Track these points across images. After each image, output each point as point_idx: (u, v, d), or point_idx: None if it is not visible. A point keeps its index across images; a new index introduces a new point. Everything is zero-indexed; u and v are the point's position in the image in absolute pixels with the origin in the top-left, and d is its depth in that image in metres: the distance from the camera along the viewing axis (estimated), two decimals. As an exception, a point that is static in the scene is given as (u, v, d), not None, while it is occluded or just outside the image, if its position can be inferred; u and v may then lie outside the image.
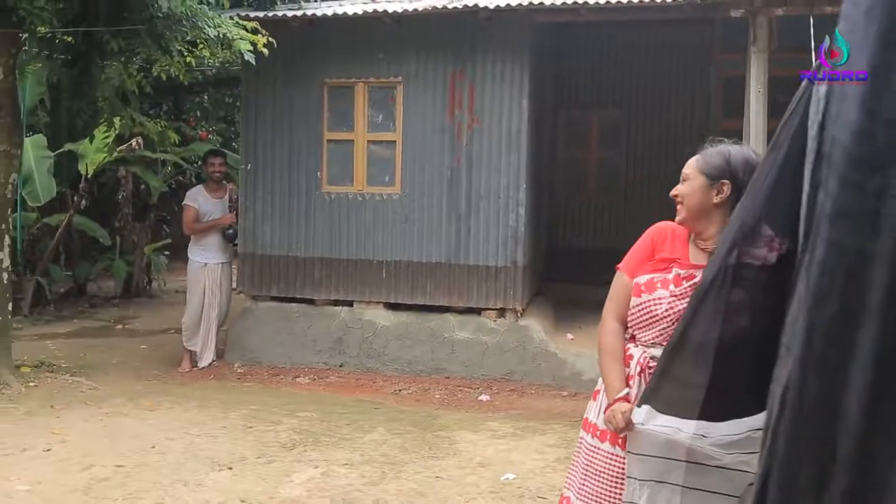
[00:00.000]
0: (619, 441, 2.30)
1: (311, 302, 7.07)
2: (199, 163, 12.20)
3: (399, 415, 5.72)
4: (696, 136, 8.51)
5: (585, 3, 6.09)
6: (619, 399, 2.26)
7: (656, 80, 8.53)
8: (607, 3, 6.04)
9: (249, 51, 6.10)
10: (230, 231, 7.07)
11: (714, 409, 2.02)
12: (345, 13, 6.57)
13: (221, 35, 5.98)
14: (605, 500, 2.31)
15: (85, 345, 7.89)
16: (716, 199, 2.29)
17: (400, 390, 6.41)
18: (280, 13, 6.70)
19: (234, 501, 4.07)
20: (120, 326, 8.99)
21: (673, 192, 2.39)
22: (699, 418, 2.05)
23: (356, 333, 6.90)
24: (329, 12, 6.64)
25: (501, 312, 6.75)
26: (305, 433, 5.19)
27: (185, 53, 7.42)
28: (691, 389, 2.03)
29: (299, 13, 6.67)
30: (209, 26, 5.99)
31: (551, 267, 8.56)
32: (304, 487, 4.27)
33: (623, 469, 2.28)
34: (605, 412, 2.31)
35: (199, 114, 14.00)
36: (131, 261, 10.82)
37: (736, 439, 2.03)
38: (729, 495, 2.10)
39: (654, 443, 2.13)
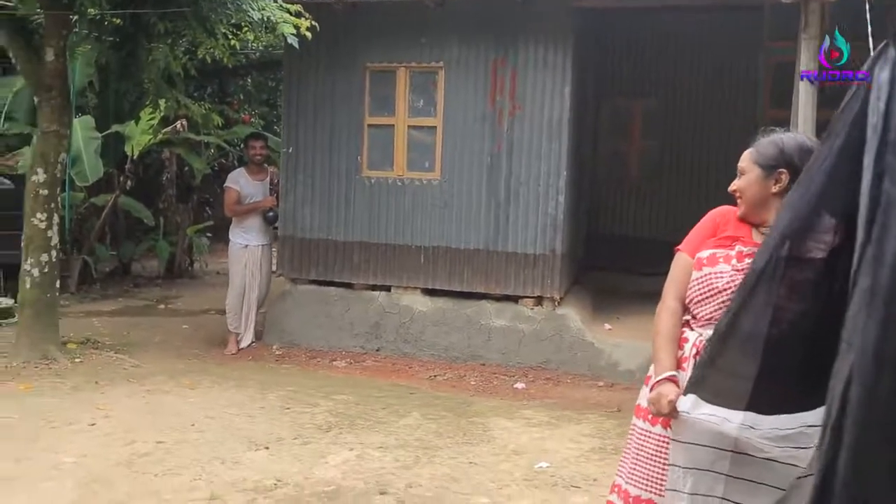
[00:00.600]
0: (671, 424, 2.28)
1: (349, 286, 7.11)
2: (241, 146, 12.38)
3: (434, 400, 5.74)
4: (744, 125, 8.36)
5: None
6: (665, 378, 2.26)
7: (702, 68, 8.39)
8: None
9: (293, 34, 6.13)
10: (271, 214, 7.13)
11: (763, 401, 1.99)
12: (388, -3, 6.56)
13: (265, 18, 6.01)
14: (656, 483, 2.31)
15: (129, 323, 8.06)
16: (774, 189, 2.31)
17: (435, 376, 6.43)
18: (323, -3, 6.72)
19: (270, 481, 4.13)
20: (162, 306, 9.15)
21: (731, 187, 2.41)
22: (747, 409, 2.02)
23: (393, 318, 6.93)
24: (372, -4, 6.64)
25: (539, 300, 6.72)
26: (341, 416, 5.24)
27: (230, 36, 7.50)
28: (739, 380, 2.00)
29: (342, -3, 6.68)
30: (253, 9, 6.02)
31: (590, 255, 8.49)
32: (338, 469, 4.31)
33: None
34: (650, 389, 2.29)
35: (242, 97, 14.14)
36: (174, 242, 11.00)
37: (788, 433, 2.00)
38: (774, 487, 2.07)
39: (700, 431, 2.12)
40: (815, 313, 1.91)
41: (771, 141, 2.34)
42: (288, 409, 5.37)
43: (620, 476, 2.49)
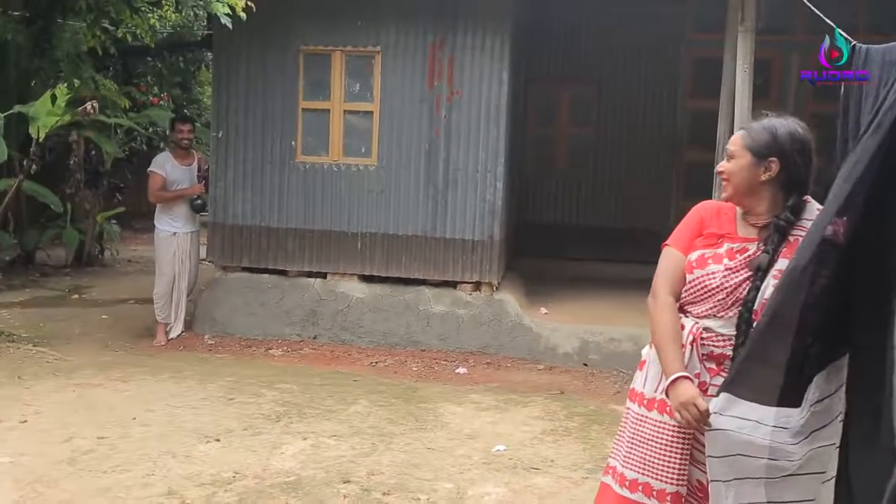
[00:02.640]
0: (668, 409, 2.30)
1: (283, 273, 6.96)
2: (150, 128, 11.88)
3: (379, 387, 5.69)
4: (667, 114, 8.64)
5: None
6: (680, 378, 2.22)
7: (629, 58, 8.58)
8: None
9: (227, 14, 5.92)
10: (199, 201, 6.85)
11: (791, 392, 2.04)
12: (324, -22, 6.42)
13: (199, -3, 5.79)
14: (654, 466, 2.32)
15: (42, 315, 7.63)
16: (763, 177, 2.28)
17: (377, 363, 6.37)
18: (257, -25, 6.50)
19: (228, 473, 4.01)
20: (76, 296, 8.71)
21: (719, 168, 2.39)
22: (779, 404, 2.06)
23: (330, 305, 6.82)
24: (307, -23, 6.47)
25: (477, 286, 6.75)
26: (289, 405, 5.13)
27: (150, 14, 7.18)
28: (772, 370, 2.03)
29: (276, -24, 6.49)
30: (186, -14, 5.79)
31: (519, 241, 8.59)
32: (296, 459, 4.23)
33: (673, 437, 2.28)
34: (665, 392, 2.26)
35: (150, 79, 13.55)
36: (83, 229, 10.47)
37: (808, 417, 2.07)
38: (815, 473, 2.12)
39: (733, 443, 2.12)
40: (826, 293, 2.01)
41: (764, 127, 2.32)
42: (232, 399, 5.21)
43: (615, 459, 2.49)
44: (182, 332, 6.89)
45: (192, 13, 11.66)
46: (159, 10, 7.39)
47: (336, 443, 4.51)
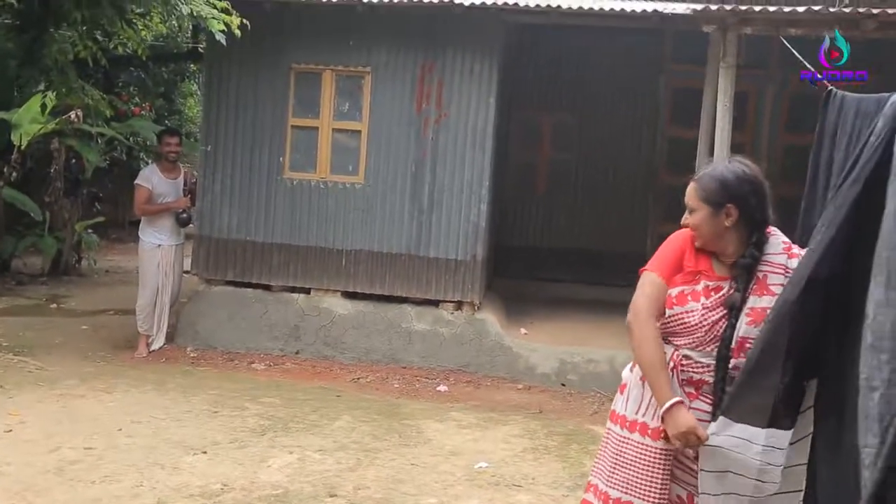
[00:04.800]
0: (649, 432, 2.42)
1: (266, 288, 7.01)
2: (131, 138, 11.85)
3: (362, 403, 5.77)
4: (647, 142, 8.84)
5: (559, 7, 6.26)
6: (675, 404, 2.32)
7: (610, 87, 8.77)
8: (579, 8, 6.24)
9: (222, 31, 6.02)
10: (184, 215, 6.87)
11: (781, 414, 2.18)
12: (318, -1, 6.53)
13: (195, 13, 5.88)
14: (638, 486, 2.43)
15: (21, 323, 7.59)
16: (727, 223, 2.39)
17: (359, 379, 6.44)
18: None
19: (216, 485, 4.06)
20: (54, 305, 8.66)
21: (684, 221, 2.49)
22: (769, 426, 2.19)
23: (313, 321, 6.89)
24: (302, -4, 6.58)
25: (458, 305, 6.86)
26: (273, 419, 5.19)
27: (141, 27, 7.25)
28: (763, 395, 2.17)
29: (272, -5, 6.58)
30: (182, 3, 5.88)
31: (499, 263, 8.70)
32: (283, 473, 4.29)
33: (655, 458, 2.40)
34: (661, 419, 2.36)
35: (132, 89, 13.55)
36: (61, 237, 10.42)
37: (796, 439, 2.22)
38: (794, 491, 2.27)
39: (726, 460, 2.24)
40: (806, 323, 2.16)
41: (711, 176, 2.42)
42: (216, 412, 5.26)
43: (597, 477, 2.59)
44: (164, 344, 6.89)
45: (176, 24, 11.71)
46: (145, 20, 7.41)
47: (321, 457, 4.57)
